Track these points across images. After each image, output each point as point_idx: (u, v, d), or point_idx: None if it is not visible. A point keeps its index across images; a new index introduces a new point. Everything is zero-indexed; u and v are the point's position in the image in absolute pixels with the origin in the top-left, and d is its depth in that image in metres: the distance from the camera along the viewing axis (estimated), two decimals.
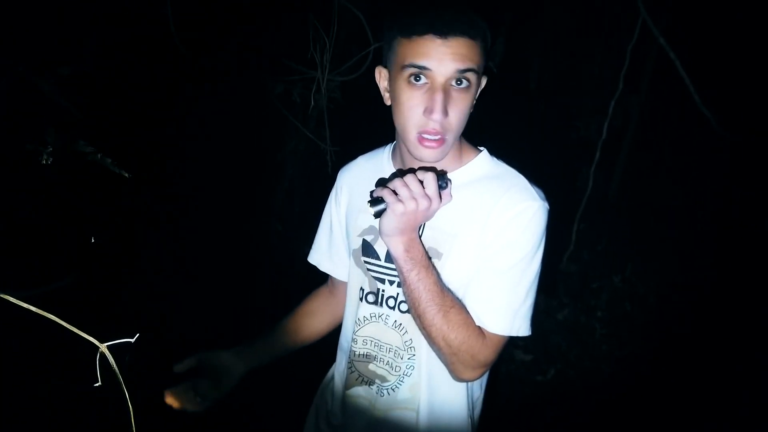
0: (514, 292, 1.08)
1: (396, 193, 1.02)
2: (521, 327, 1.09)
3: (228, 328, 2.86)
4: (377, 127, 1.26)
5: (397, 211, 1.01)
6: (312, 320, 1.45)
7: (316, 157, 3.72)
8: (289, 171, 4.26)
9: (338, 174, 1.36)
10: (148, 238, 3.02)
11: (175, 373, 1.28)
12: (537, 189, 1.11)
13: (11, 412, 1.84)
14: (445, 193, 1.06)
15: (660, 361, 3.38)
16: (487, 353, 1.07)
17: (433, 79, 1.00)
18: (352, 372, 1.25)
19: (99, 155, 1.08)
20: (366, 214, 1.20)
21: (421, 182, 1.03)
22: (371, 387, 1.22)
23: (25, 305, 0.87)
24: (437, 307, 1.04)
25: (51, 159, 1.04)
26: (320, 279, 1.50)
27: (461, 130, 1.07)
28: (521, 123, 4.90)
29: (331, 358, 1.40)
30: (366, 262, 1.22)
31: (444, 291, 1.06)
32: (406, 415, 1.20)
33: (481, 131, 1.31)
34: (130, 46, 2.37)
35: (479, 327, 1.08)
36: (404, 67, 1.01)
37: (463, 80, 1.01)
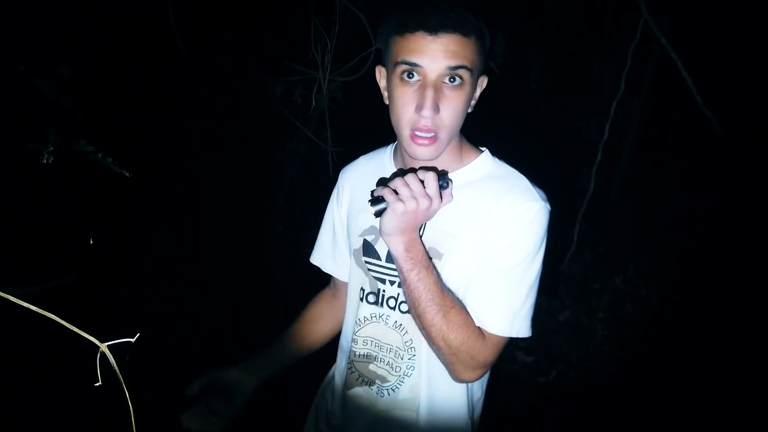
0: (515, 293, 1.08)
1: (397, 193, 1.02)
2: (521, 328, 1.09)
3: (228, 328, 2.87)
4: (379, 128, 1.25)
5: (397, 210, 1.01)
6: (317, 326, 1.44)
7: (317, 157, 3.73)
8: (290, 171, 4.26)
9: (340, 174, 1.36)
10: (148, 238, 3.02)
11: (188, 396, 1.28)
12: (539, 190, 1.11)
13: (12, 412, 1.84)
14: (446, 192, 1.06)
15: (662, 362, 3.37)
16: (486, 354, 1.07)
17: (424, 76, 1.00)
18: (353, 372, 1.24)
19: (100, 155, 1.08)
20: (367, 214, 1.19)
21: (422, 182, 1.02)
22: (371, 387, 1.22)
23: (26, 304, 0.86)
24: (437, 307, 1.04)
25: (52, 158, 1.04)
26: (321, 279, 1.50)
27: (457, 129, 1.07)
28: (522, 124, 4.90)
29: (332, 359, 1.40)
30: (367, 262, 1.22)
31: (444, 291, 1.06)
32: (406, 415, 1.19)
33: (483, 132, 1.31)
34: (130, 46, 2.37)
35: (479, 327, 1.08)
36: (397, 64, 1.02)
37: (456, 77, 1.01)
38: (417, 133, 1.03)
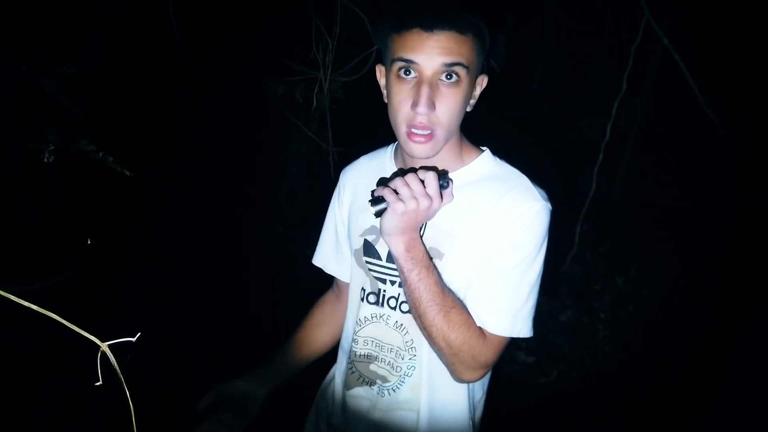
0: (516, 293, 1.07)
1: (397, 193, 1.02)
2: (522, 328, 1.09)
3: (229, 328, 2.87)
4: (380, 128, 1.25)
5: (397, 210, 1.01)
6: (323, 330, 1.44)
7: (318, 157, 3.73)
8: (291, 171, 4.26)
9: (341, 174, 1.36)
10: (149, 238, 3.03)
11: (199, 411, 1.27)
12: (539, 189, 1.11)
13: (12, 411, 1.84)
14: (446, 192, 1.06)
15: (663, 363, 3.37)
16: (487, 354, 1.07)
17: (420, 73, 1.01)
18: (353, 372, 1.24)
19: (101, 154, 1.08)
20: (367, 214, 1.19)
21: (423, 181, 1.02)
22: (372, 387, 1.22)
23: (27, 303, 0.86)
24: (438, 307, 1.04)
25: (53, 157, 1.04)
26: (322, 280, 1.49)
27: (454, 127, 1.06)
28: (524, 124, 4.90)
29: (332, 359, 1.40)
30: (367, 262, 1.22)
31: (445, 291, 1.06)
32: (407, 415, 1.19)
33: (484, 132, 1.31)
34: (131, 45, 2.37)
35: (480, 328, 1.08)
36: (393, 61, 1.02)
37: (452, 74, 1.01)
38: (413, 130, 1.03)
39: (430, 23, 0.98)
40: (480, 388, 1.25)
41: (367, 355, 1.22)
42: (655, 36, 2.24)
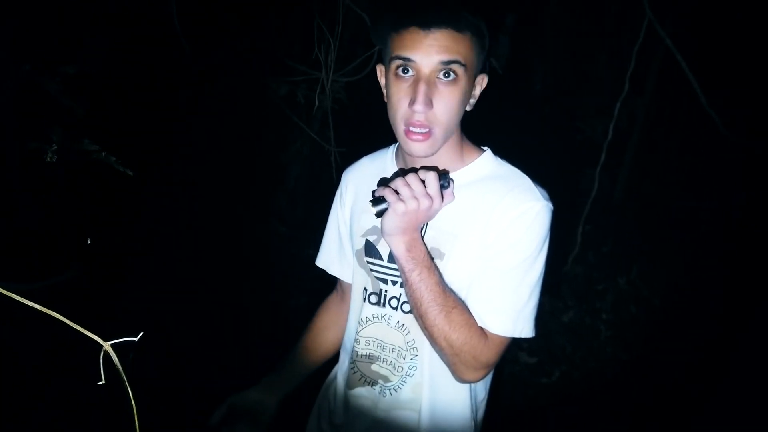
0: (517, 293, 1.07)
1: (397, 193, 1.02)
2: (524, 328, 1.08)
3: (231, 328, 2.87)
4: (382, 128, 1.25)
5: (398, 210, 1.01)
6: (330, 334, 1.44)
7: (320, 158, 3.73)
8: (293, 172, 4.26)
9: (343, 174, 1.36)
10: (152, 238, 3.03)
11: (212, 426, 1.27)
12: (541, 189, 1.10)
13: (15, 411, 1.84)
14: (447, 192, 1.06)
15: (665, 364, 3.36)
16: (489, 354, 1.07)
17: (418, 71, 1.01)
18: (355, 372, 1.24)
19: (103, 154, 1.09)
20: (369, 215, 1.19)
21: (423, 181, 1.03)
22: (374, 387, 1.22)
23: (30, 303, 0.87)
24: (439, 307, 1.04)
25: (55, 157, 1.04)
26: (324, 280, 1.49)
27: (452, 125, 1.06)
28: (526, 124, 4.90)
29: (334, 359, 1.40)
30: (369, 262, 1.22)
31: (446, 291, 1.06)
32: (408, 415, 1.19)
33: (485, 132, 1.31)
34: (134, 46, 2.38)
35: (481, 328, 1.08)
36: (392, 59, 1.03)
37: (450, 72, 1.01)
38: (411, 128, 1.03)
39: (427, 21, 0.99)
40: (482, 389, 1.25)
41: (369, 355, 1.22)
42: (657, 36, 2.24)
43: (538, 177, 1.13)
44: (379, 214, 1.05)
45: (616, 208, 5.21)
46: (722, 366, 3.16)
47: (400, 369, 1.18)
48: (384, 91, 1.13)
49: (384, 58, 1.10)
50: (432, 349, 1.11)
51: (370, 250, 1.21)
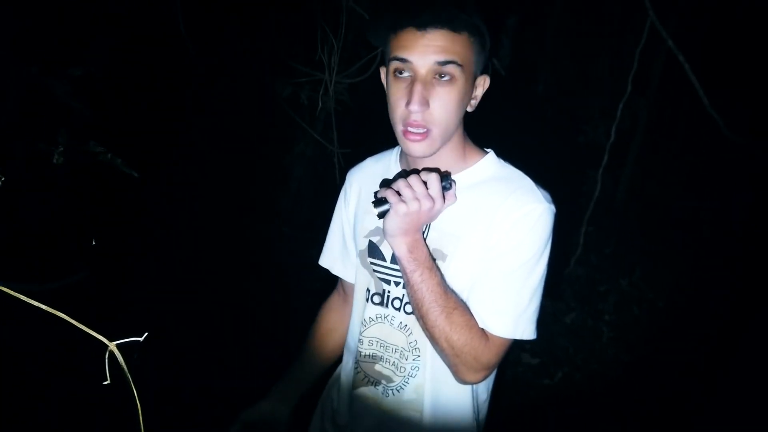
0: (519, 295, 1.07)
1: (399, 194, 1.02)
2: (526, 330, 1.09)
3: (235, 328, 2.88)
4: (384, 130, 1.26)
5: (400, 211, 1.02)
6: (335, 337, 1.44)
7: (324, 159, 3.74)
8: (297, 173, 4.27)
9: (347, 175, 1.37)
10: (156, 238, 3.04)
11: None
12: (543, 191, 1.11)
13: (21, 410, 1.85)
14: (449, 194, 1.06)
15: (667, 366, 3.36)
16: (490, 356, 1.07)
17: (414, 72, 1.01)
18: (359, 372, 1.25)
19: (109, 155, 1.10)
20: (372, 215, 1.20)
21: (425, 183, 1.03)
22: (377, 387, 1.22)
23: (36, 303, 0.87)
24: (440, 308, 1.04)
25: (62, 159, 1.05)
26: (327, 281, 1.50)
27: (451, 126, 1.06)
28: (528, 125, 4.90)
29: (339, 359, 1.41)
30: (372, 263, 1.22)
31: (447, 292, 1.06)
32: (411, 415, 1.20)
33: (488, 133, 1.32)
34: (140, 49, 2.39)
35: (483, 329, 1.08)
36: (390, 60, 1.04)
37: (446, 73, 1.01)
38: (409, 128, 1.04)
39: (423, 22, 0.99)
40: (484, 390, 1.25)
41: (372, 355, 1.23)
42: (659, 37, 2.23)
43: (540, 178, 1.14)
44: (382, 215, 1.05)
45: (618, 209, 5.21)
46: (725, 367, 3.15)
47: (402, 369, 1.19)
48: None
49: (384, 59, 1.11)
50: (434, 350, 1.12)
51: (374, 251, 1.22)
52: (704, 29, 4.43)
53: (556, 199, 1.12)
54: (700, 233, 4.77)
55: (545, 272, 1.10)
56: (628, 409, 2.99)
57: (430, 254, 1.08)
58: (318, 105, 2.80)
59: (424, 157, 1.08)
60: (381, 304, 1.21)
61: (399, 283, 1.18)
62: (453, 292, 1.09)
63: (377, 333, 1.22)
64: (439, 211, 1.07)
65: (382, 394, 1.22)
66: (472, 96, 1.09)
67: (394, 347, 1.20)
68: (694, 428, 2.78)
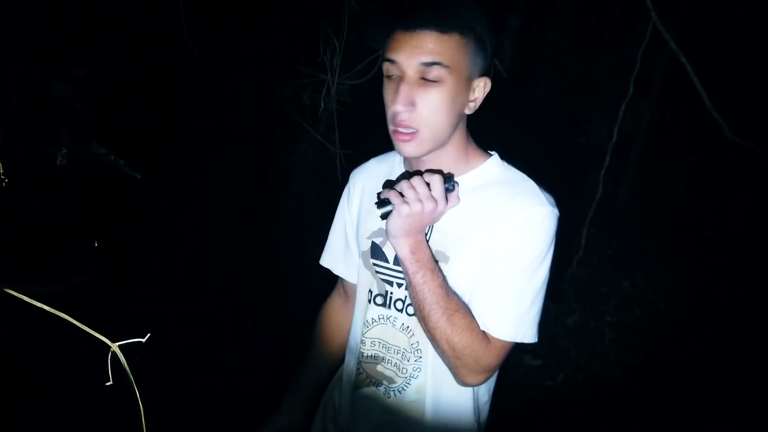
0: (520, 298, 1.07)
1: (403, 195, 1.03)
2: (527, 333, 1.08)
3: (238, 329, 2.88)
4: (386, 131, 1.27)
5: (402, 212, 1.02)
6: (338, 337, 1.44)
7: (326, 160, 3.74)
8: (299, 174, 4.27)
9: (351, 175, 1.37)
10: (158, 239, 3.05)
11: None
12: (547, 195, 1.10)
13: (24, 411, 1.86)
14: (452, 195, 1.07)
15: (669, 367, 3.35)
16: (490, 358, 1.07)
17: (402, 72, 1.02)
18: (361, 373, 1.25)
19: (112, 157, 1.10)
20: (375, 216, 1.20)
21: (428, 184, 1.03)
22: (379, 388, 1.23)
23: (39, 304, 0.88)
24: (441, 310, 1.04)
25: (65, 160, 1.06)
26: (327, 281, 1.50)
27: (443, 128, 1.05)
28: (530, 127, 4.90)
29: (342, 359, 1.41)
30: (375, 264, 1.22)
31: (449, 294, 1.07)
32: (412, 416, 1.20)
33: (490, 135, 1.32)
34: (142, 50, 2.40)
35: (484, 332, 1.08)
36: (383, 62, 1.04)
37: (432, 74, 1.00)
38: (398, 128, 1.04)
39: (410, 23, 0.99)
40: (485, 392, 1.25)
41: (374, 356, 1.23)
42: (661, 39, 2.23)
43: (542, 180, 1.13)
44: (384, 216, 1.06)
45: (620, 210, 5.20)
46: (727, 369, 3.15)
47: (404, 371, 1.19)
48: None
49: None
50: (436, 352, 1.12)
51: (376, 252, 1.22)
52: (706, 30, 4.43)
53: (558, 199, 1.12)
54: (702, 234, 4.77)
55: (548, 276, 1.10)
56: (630, 411, 2.99)
57: (433, 256, 1.09)
58: (320, 106, 2.80)
59: (414, 157, 1.08)
60: (383, 305, 1.21)
61: (401, 284, 1.18)
62: (455, 294, 1.09)
63: (379, 334, 1.22)
64: (442, 213, 1.07)
65: (384, 394, 1.22)
66: (470, 98, 1.07)
67: (396, 348, 1.20)
68: (695, 429, 2.78)
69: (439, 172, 1.09)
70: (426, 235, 1.12)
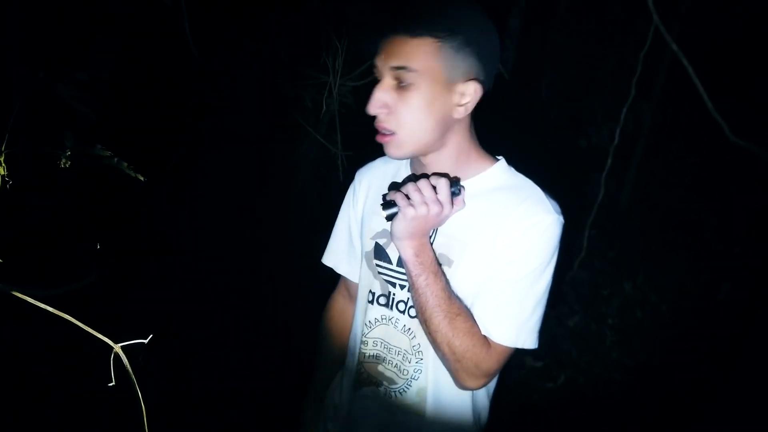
0: (522, 304, 1.07)
1: (408, 197, 1.03)
2: (527, 339, 1.09)
3: (240, 330, 2.89)
4: None
5: (408, 215, 1.02)
6: (346, 339, 1.43)
7: (327, 161, 3.74)
8: (301, 175, 4.28)
9: (356, 173, 1.36)
10: (160, 241, 3.05)
11: None
12: (553, 202, 1.10)
13: (26, 411, 1.86)
14: (457, 199, 1.07)
15: (671, 370, 3.35)
16: (491, 363, 1.07)
17: (380, 76, 1.04)
18: (362, 373, 1.25)
19: (116, 159, 1.11)
20: (379, 217, 1.19)
21: (435, 187, 1.03)
22: (379, 388, 1.23)
23: (43, 305, 0.88)
24: (443, 313, 1.05)
25: (69, 162, 1.06)
26: (329, 281, 1.50)
27: (423, 131, 1.03)
28: (532, 129, 4.90)
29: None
30: (378, 265, 1.22)
31: (451, 298, 1.07)
32: (412, 418, 1.20)
33: (489, 135, 1.32)
34: (145, 52, 2.40)
35: (485, 337, 1.08)
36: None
37: (402, 78, 1.00)
38: (379, 130, 1.06)
39: (383, 27, 1.01)
40: (485, 394, 1.25)
41: (376, 356, 1.23)
42: (663, 41, 2.23)
43: (543, 182, 1.13)
44: (390, 218, 1.06)
45: (622, 213, 5.20)
46: (729, 372, 3.15)
47: (405, 372, 1.19)
48: None
49: None
50: (436, 355, 1.12)
51: (380, 253, 1.22)
52: (708, 32, 4.43)
53: (560, 202, 1.12)
54: (704, 236, 4.77)
55: (550, 283, 1.10)
56: (631, 413, 2.98)
57: (436, 259, 1.09)
58: (322, 107, 2.81)
59: (398, 158, 1.09)
60: (386, 306, 1.21)
61: (404, 286, 1.18)
62: (457, 297, 1.09)
63: (381, 334, 1.22)
64: (447, 217, 1.07)
65: (385, 395, 1.22)
66: (456, 102, 1.03)
67: (397, 349, 1.20)
68: (696, 430, 2.78)
69: (445, 175, 1.09)
70: (430, 238, 1.12)
